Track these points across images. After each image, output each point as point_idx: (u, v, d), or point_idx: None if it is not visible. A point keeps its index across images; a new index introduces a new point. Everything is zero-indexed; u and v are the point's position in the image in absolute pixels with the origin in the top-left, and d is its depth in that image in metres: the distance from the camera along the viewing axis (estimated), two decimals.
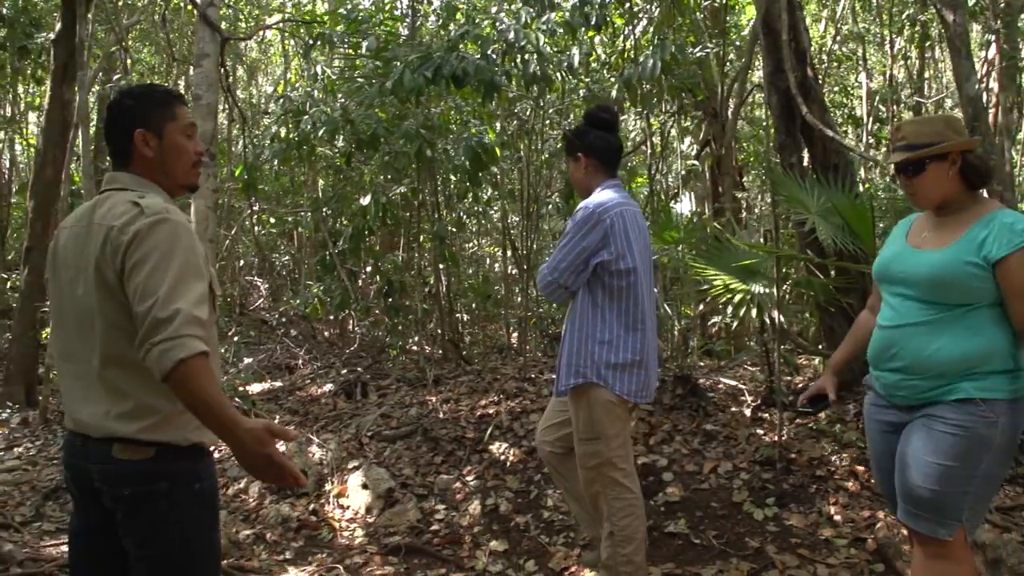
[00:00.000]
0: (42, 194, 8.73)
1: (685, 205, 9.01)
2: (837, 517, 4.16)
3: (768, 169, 5.63)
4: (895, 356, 2.69)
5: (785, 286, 5.11)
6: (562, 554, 4.15)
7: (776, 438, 4.83)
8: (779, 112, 5.42)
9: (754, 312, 5.12)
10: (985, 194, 2.88)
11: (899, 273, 2.72)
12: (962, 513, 2.57)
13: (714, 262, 5.31)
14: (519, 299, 8.51)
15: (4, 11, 10.01)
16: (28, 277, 8.78)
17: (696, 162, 9.66)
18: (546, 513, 4.55)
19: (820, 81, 6.62)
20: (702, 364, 7.09)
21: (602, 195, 3.41)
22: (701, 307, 8.07)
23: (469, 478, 4.99)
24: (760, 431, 5.15)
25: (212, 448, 2.29)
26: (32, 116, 14.24)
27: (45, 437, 7.42)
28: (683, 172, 9.73)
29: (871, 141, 13.18)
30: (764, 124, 12.08)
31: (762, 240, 7.12)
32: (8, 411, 8.26)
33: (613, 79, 7.21)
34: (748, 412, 5.47)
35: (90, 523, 2.24)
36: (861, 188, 7.46)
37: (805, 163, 5.62)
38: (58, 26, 8.31)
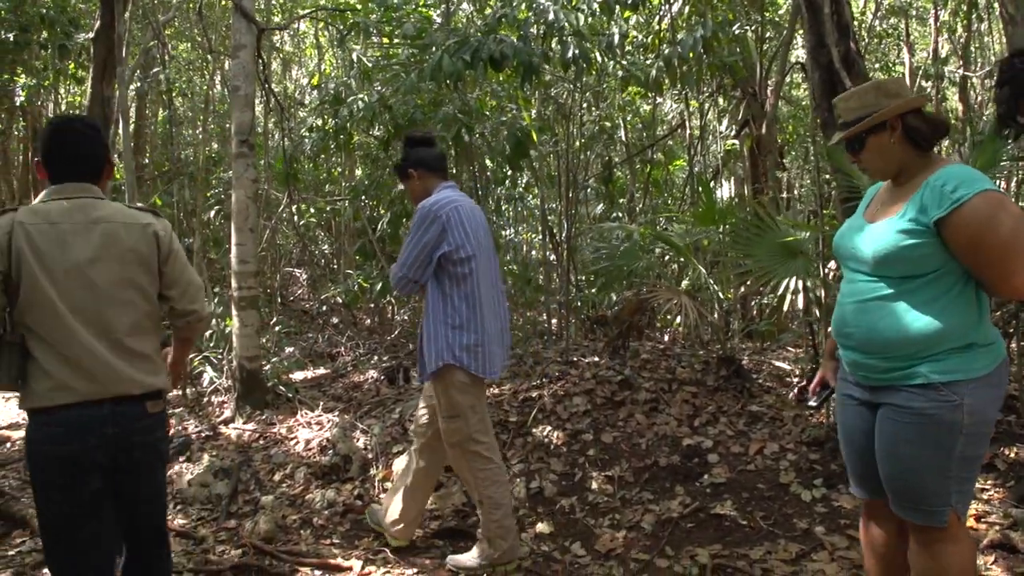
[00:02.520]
0: None
1: (724, 187, 8.93)
2: None
3: (814, 142, 5.54)
4: (849, 334, 2.63)
5: (829, 265, 5.04)
6: (608, 536, 4.14)
7: (823, 419, 4.78)
8: (821, 88, 5.32)
9: (797, 292, 5.06)
10: (941, 154, 2.75)
11: (848, 248, 2.66)
12: (950, 497, 2.52)
13: (755, 242, 5.25)
14: (558, 284, 8.47)
15: (44, 12, 10.16)
16: None
17: (735, 142, 9.56)
18: (591, 495, 4.55)
19: (862, 57, 6.51)
20: (744, 346, 7.04)
21: (436, 195, 3.85)
22: (742, 288, 8.00)
23: (513, 461, 4.99)
24: (808, 412, 5.10)
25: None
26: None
27: None
28: (722, 153, 9.63)
29: None
30: (804, 103, 11.93)
31: (805, 220, 7.03)
32: None
33: (650, 60, 7.15)
34: (794, 393, 5.42)
35: (90, 486, 2.64)
36: None
37: None
38: (97, 24, 8.41)
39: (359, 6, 8.62)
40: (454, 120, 6.61)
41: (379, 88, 7.28)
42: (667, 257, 7.00)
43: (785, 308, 5.65)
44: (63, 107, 14.58)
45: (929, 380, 2.45)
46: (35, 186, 13.50)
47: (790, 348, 6.82)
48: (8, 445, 7.23)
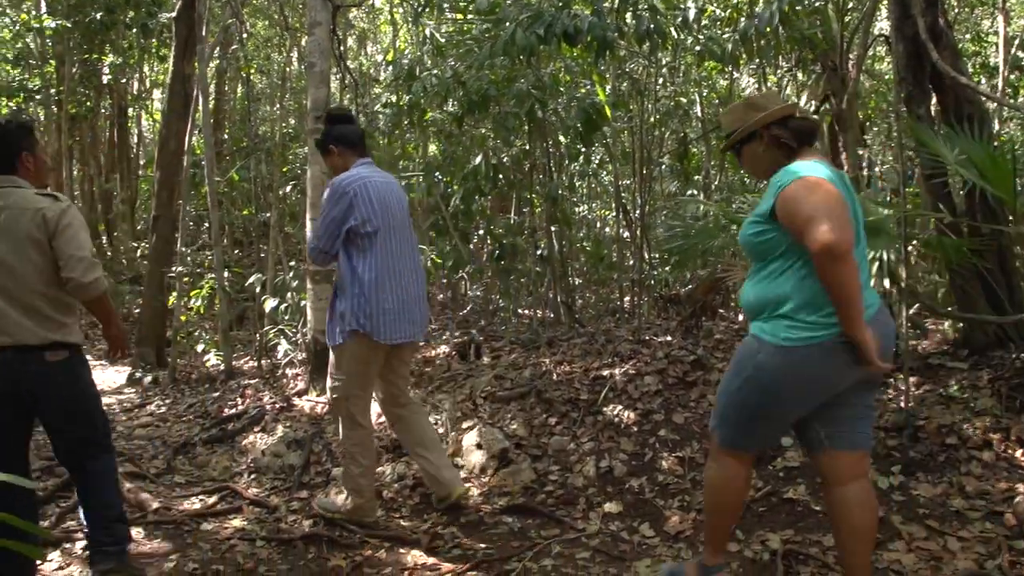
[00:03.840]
0: (166, 166, 9.09)
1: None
2: (969, 488, 3.96)
3: (897, 117, 5.35)
4: (741, 299, 3.14)
5: (911, 245, 4.87)
6: (678, 518, 4.11)
7: (903, 404, 4.64)
8: (906, 60, 5.13)
9: (877, 272, 4.91)
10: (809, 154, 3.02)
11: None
12: (724, 422, 3.07)
13: None
14: (632, 262, 8.40)
15: None
16: (156, 244, 9.18)
17: (815, 118, 9.30)
18: (661, 476, 4.51)
19: (951, 27, 6.26)
20: None
21: (349, 172, 4.13)
22: None
23: (583, 440, 4.98)
24: (885, 397, 4.96)
25: None
26: (157, 93, 14.80)
27: (174, 395, 7.78)
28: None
29: (1008, 92, 12.42)
30: (887, 77, 11.55)
31: (887, 199, 6.82)
32: (141, 371, 8.70)
33: (727, 34, 6.99)
34: None
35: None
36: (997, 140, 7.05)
37: (934, 115, 5.32)
38: (178, 4, 8.58)
39: None
40: (527, 95, 6.56)
41: (452, 63, 7.27)
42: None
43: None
44: (147, 84, 14.96)
45: (754, 332, 2.96)
46: (121, 161, 13.90)
47: None
48: None
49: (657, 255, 8.61)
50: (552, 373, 5.85)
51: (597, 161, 9.53)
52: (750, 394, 2.93)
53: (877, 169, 11.24)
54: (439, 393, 6.03)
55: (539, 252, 8.60)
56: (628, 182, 9.50)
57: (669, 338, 6.03)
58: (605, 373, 5.60)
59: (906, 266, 4.76)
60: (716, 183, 10.15)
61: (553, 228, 8.15)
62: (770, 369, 2.84)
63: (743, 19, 5.81)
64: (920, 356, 5.24)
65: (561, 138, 8.13)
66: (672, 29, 5.87)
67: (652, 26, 5.47)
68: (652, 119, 8.36)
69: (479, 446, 5.03)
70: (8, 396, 3.43)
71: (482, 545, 4.09)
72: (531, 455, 4.93)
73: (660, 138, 10.06)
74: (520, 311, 8.79)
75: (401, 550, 4.13)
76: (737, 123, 3.07)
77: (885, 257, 4.86)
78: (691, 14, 5.70)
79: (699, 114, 11.14)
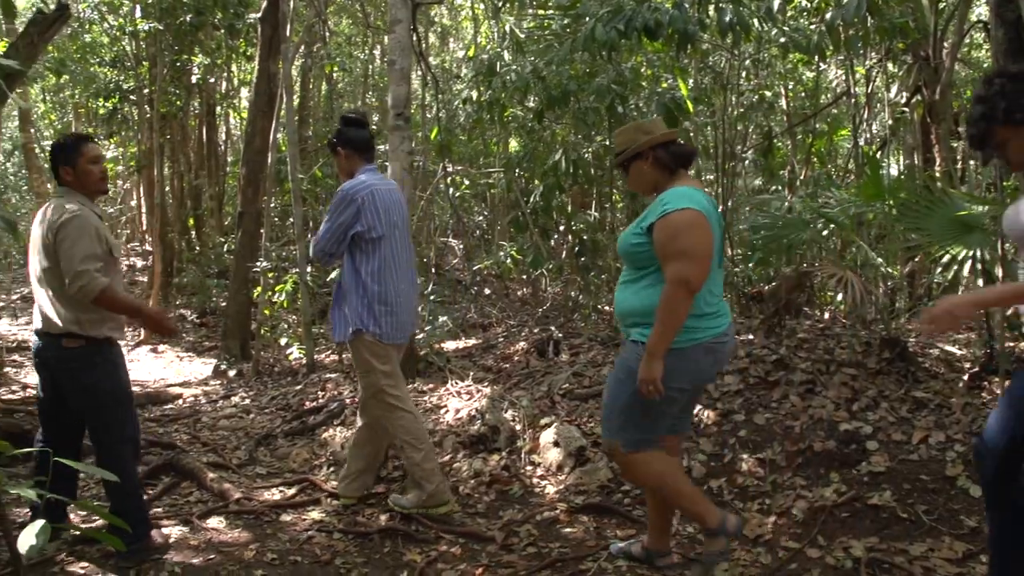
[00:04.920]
0: (252, 162, 9.28)
1: (893, 158, 8.42)
2: None
3: None
4: (615, 305, 3.48)
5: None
6: (757, 521, 4.01)
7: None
8: (1006, 47, 4.88)
9: (975, 270, 4.71)
10: (689, 174, 3.44)
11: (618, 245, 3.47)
12: (621, 429, 3.34)
13: (927, 216, 4.92)
14: None
15: None
16: (241, 239, 9.38)
17: (906, 110, 8.99)
18: (740, 478, 4.41)
19: None
20: (910, 327, 6.64)
21: (356, 178, 4.36)
22: (909, 265, 7.56)
23: None
24: (978, 401, 4.76)
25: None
26: (244, 91, 15.13)
27: (257, 388, 7.94)
28: (890, 122, 9.08)
29: None
30: (985, 65, 11.10)
31: (982, 194, 6.55)
32: (225, 363, 8.91)
33: (814, 25, 6.80)
34: (965, 380, 5.06)
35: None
36: None
37: None
38: (264, 4, 8.75)
39: None
40: (608, 91, 6.50)
41: (532, 59, 7.25)
42: (827, 232, 6.69)
43: (960, 288, 5.29)
44: (235, 84, 15.33)
45: (635, 339, 3.27)
46: (209, 158, 14.27)
47: (964, 330, 6.38)
48: (180, 401, 7.71)
49: (740, 251, 8.44)
50: None
51: None
52: (645, 401, 3.22)
53: (972, 162, 10.82)
54: (517, 390, 6.02)
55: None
56: (711, 177, 9.32)
57: (751, 337, 5.89)
58: None
59: (1002, 264, 4.56)
60: (801, 178, 9.90)
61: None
62: (666, 370, 3.13)
63: (830, 9, 5.62)
64: (1020, 358, 5.02)
65: None
66: (755, 21, 5.72)
67: (735, 18, 5.35)
68: (735, 113, 8.20)
69: (556, 444, 5.01)
70: (46, 377, 3.96)
71: (557, 544, 4.06)
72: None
73: (744, 132, 9.86)
74: (600, 307, 8.72)
75: (475, 547, 4.14)
76: (627, 143, 3.43)
77: (979, 255, 4.66)
78: (775, 5, 5.55)
79: (784, 107, 10.89)
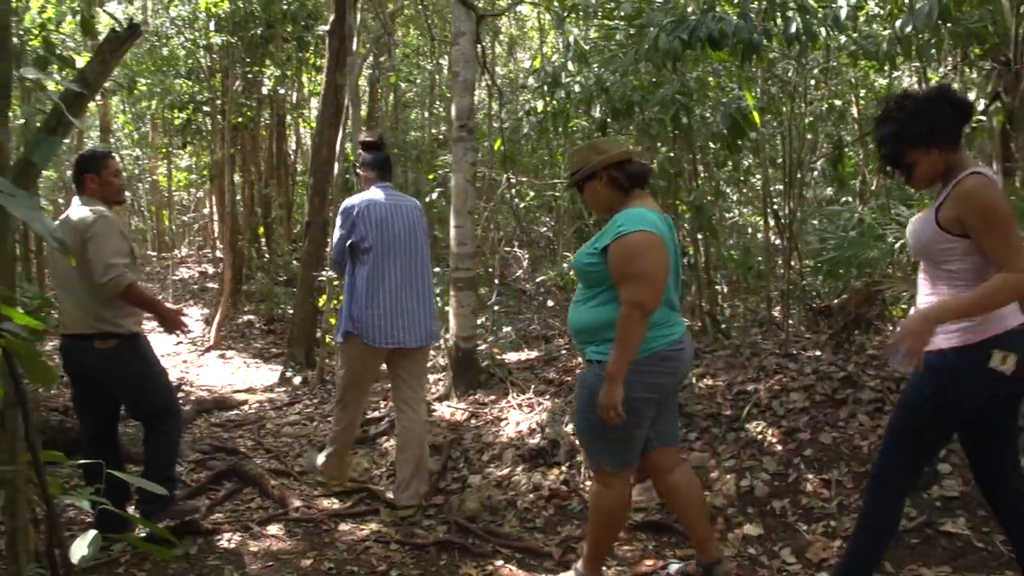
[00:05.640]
0: (318, 172, 9.40)
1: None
2: None
3: None
4: (569, 323, 3.53)
5: None
6: (821, 544, 3.89)
7: None
8: None
9: None
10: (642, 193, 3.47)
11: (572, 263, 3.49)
12: (600, 452, 3.40)
13: None
14: (782, 270, 8.07)
15: (287, 7, 10.87)
16: (308, 248, 9.51)
17: (983, 118, 8.68)
18: (805, 499, 4.28)
19: None
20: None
21: (360, 195, 4.79)
22: None
23: (724, 457, 4.80)
24: None
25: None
26: (314, 102, 15.38)
27: (322, 395, 8.01)
28: (967, 129, 8.78)
29: None
30: None
31: None
32: (291, 370, 9.02)
33: (885, 31, 6.61)
34: None
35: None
36: None
37: None
38: (332, 17, 8.86)
39: None
40: (672, 101, 6.41)
41: (596, 70, 7.19)
42: (899, 244, 6.49)
43: None
44: (305, 95, 15.58)
45: (591, 357, 3.32)
46: (279, 168, 14.52)
47: None
48: (245, 407, 7.82)
49: (808, 264, 8.25)
50: (694, 386, 5.68)
51: (747, 166, 9.22)
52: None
53: None
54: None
55: (686, 260, 8.42)
56: (780, 187, 9.14)
57: (818, 352, 5.74)
58: (749, 388, 5.39)
59: None
60: (873, 188, 9.65)
61: (700, 236, 7.95)
62: (627, 384, 3.15)
63: (901, 15, 5.45)
64: None
65: (709, 144, 7.92)
66: (823, 29, 5.58)
67: (801, 27, 5.23)
68: (804, 123, 8.02)
69: None
70: (77, 374, 4.27)
71: (614, 562, 4.00)
72: None
73: (813, 142, 9.65)
74: None
75: (532, 562, 4.10)
76: (581, 163, 3.48)
77: None
78: (843, 13, 5.40)
79: (855, 116, 10.62)
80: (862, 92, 9.98)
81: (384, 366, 5.00)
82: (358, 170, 4.98)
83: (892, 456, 2.98)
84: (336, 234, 4.81)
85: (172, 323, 4.46)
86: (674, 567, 3.81)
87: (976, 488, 4.00)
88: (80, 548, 1.64)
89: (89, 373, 4.23)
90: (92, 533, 1.72)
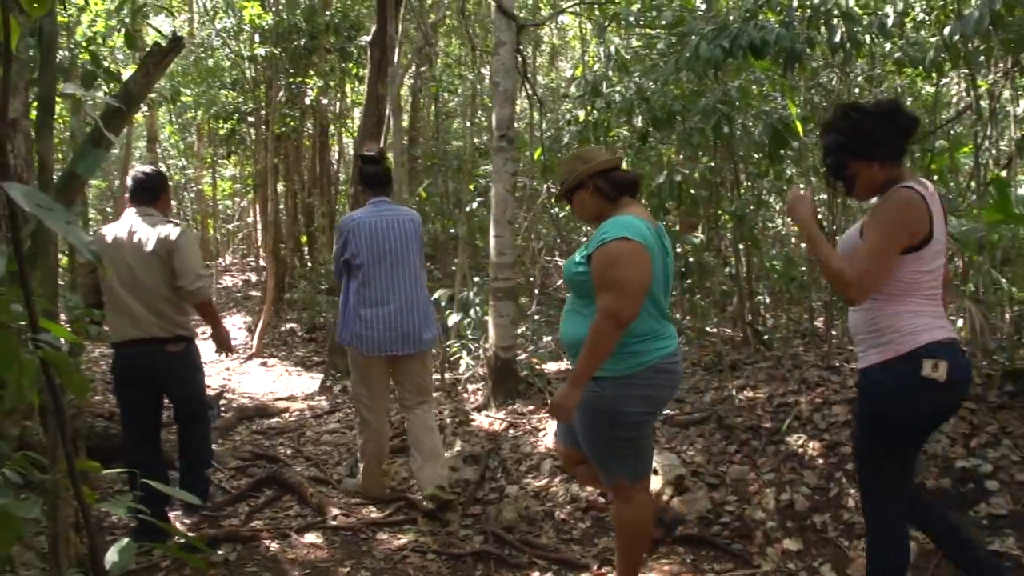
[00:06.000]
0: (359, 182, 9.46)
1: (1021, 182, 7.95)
2: None
3: None
4: (560, 334, 3.51)
5: None
6: (862, 561, 3.81)
7: None
8: None
9: None
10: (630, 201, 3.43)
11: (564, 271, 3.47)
12: (614, 468, 3.38)
13: None
14: (825, 281, 7.95)
15: (329, 19, 10.98)
16: None
17: (636, 172, 8.49)
18: (846, 514, 4.21)
19: None
20: None
21: (351, 213, 5.14)
22: None
23: (764, 470, 4.74)
24: None
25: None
26: (357, 112, 15.52)
27: None
28: (1017, 137, 8.61)
29: None
30: None
31: None
32: (331, 379, 9.08)
33: (933, 38, 6.50)
34: None
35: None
36: None
37: None
38: (373, 28, 8.93)
39: None
40: (713, 111, 6.36)
41: (637, 79, 7.16)
42: (949, 254, 6.37)
43: None
44: (348, 105, 15.72)
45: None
46: (322, 177, 14.66)
47: None
48: (286, 415, 7.88)
49: None
50: (734, 398, 5.63)
51: (790, 175, 9.11)
52: (621, 429, 3.27)
53: None
54: None
55: (728, 270, 8.34)
56: (824, 197, 9.01)
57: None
58: (790, 400, 5.33)
59: None
60: None
61: (741, 246, 7.87)
62: (624, 398, 3.21)
63: (949, 22, 5.35)
64: None
65: (753, 154, 7.84)
66: (867, 37, 5.50)
67: (845, 35, 5.16)
68: None
69: (655, 471, 4.90)
70: (143, 378, 4.51)
71: (652, 574, 3.96)
72: (708, 483, 4.75)
73: None
74: (708, 329, 8.52)
75: (569, 573, 4.10)
76: (568, 173, 3.46)
77: None
78: (889, 21, 5.33)
79: None
80: (908, 100, 9.83)
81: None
82: (358, 184, 5.27)
83: (869, 481, 3.04)
84: (334, 250, 5.13)
85: (224, 342, 4.95)
86: None
87: None
88: (112, 556, 1.66)
89: (156, 375, 4.52)
90: (125, 541, 1.73)
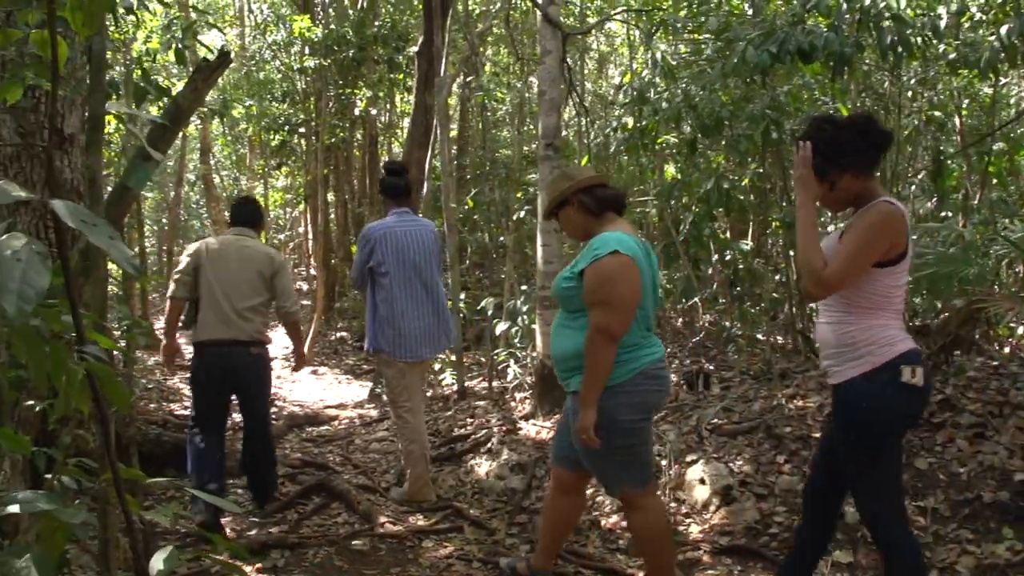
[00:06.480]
0: None
1: None
2: None
3: None
4: (551, 349, 3.60)
5: None
6: None
7: None
8: None
9: None
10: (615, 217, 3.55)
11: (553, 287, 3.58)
12: (618, 478, 3.46)
13: None
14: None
15: (377, 30, 11.10)
16: None
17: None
18: None
19: None
20: None
21: (380, 221, 5.35)
22: None
23: None
24: None
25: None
26: (406, 122, 15.67)
27: None
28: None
29: None
30: None
31: None
32: (380, 387, 9.14)
33: (990, 38, 6.37)
34: None
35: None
36: None
37: None
38: (420, 39, 9.01)
39: (668, 3, 8.51)
40: (761, 116, 6.30)
41: (684, 85, 7.13)
42: (1007, 261, 6.22)
43: None
44: (397, 115, 15.87)
45: (577, 389, 3.34)
46: (372, 187, 14.81)
47: None
48: (335, 423, 7.96)
49: (910, 281, 7.96)
50: (784, 407, 5.55)
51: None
52: (618, 438, 3.33)
53: None
54: (663, 423, 5.88)
55: (778, 278, 8.24)
56: None
57: None
58: None
59: None
60: (976, 201, 9.28)
61: (792, 252, 7.77)
62: (616, 407, 3.28)
63: (1008, 21, 5.23)
64: None
65: None
66: (919, 39, 5.41)
67: (896, 38, 5.08)
68: (900, 135, 7.78)
69: (702, 481, 4.86)
70: (223, 375, 4.89)
71: None
72: (756, 494, 4.69)
73: (912, 154, 9.36)
74: (758, 337, 8.42)
75: None
76: (554, 193, 3.60)
77: None
78: (942, 22, 5.23)
79: (958, 127, 10.24)
80: (965, 101, 9.62)
81: None
82: (381, 194, 5.53)
83: (859, 488, 3.07)
84: (356, 257, 5.30)
85: (303, 361, 5.61)
86: (505, 561, 4.14)
87: None
88: (157, 563, 1.69)
89: (239, 373, 4.93)
90: (170, 549, 1.76)
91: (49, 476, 2.30)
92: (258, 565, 4.31)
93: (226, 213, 17.41)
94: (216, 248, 5.00)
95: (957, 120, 9.77)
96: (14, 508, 1.58)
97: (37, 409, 3.06)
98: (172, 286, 5.03)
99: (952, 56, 6.31)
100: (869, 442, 2.99)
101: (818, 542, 3.33)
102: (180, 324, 5.02)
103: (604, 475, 3.52)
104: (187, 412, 8.03)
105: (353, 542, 4.68)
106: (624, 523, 4.74)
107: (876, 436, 2.98)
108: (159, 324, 15.39)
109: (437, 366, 9.06)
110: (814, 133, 3.06)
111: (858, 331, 2.95)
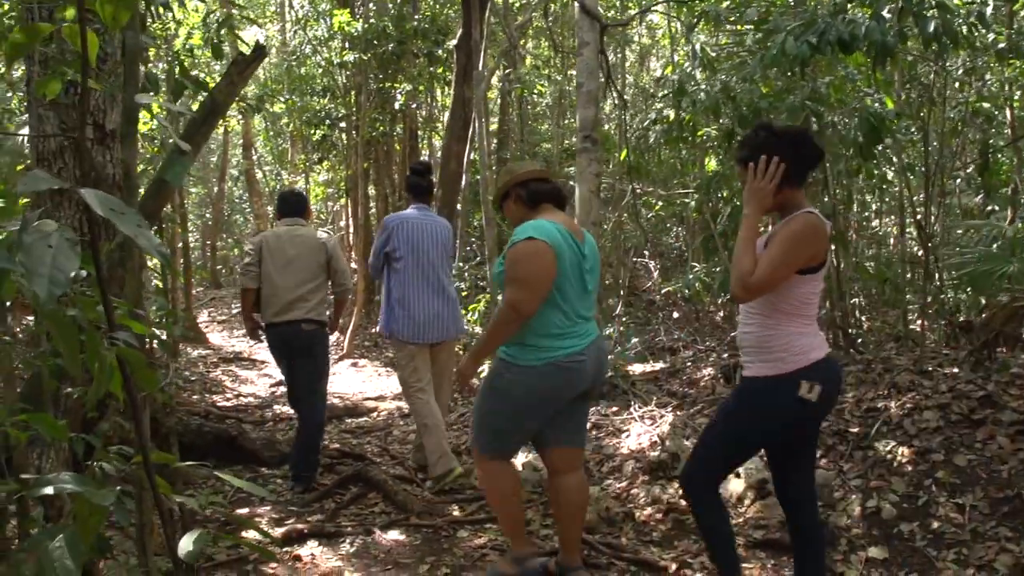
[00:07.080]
0: (447, 184, 9.59)
1: None
2: None
3: None
4: None
5: None
6: (951, 572, 3.69)
7: None
8: None
9: None
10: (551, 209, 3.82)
11: None
12: (476, 430, 3.83)
13: None
14: (922, 283, 7.69)
15: (417, 24, 11.13)
16: None
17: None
18: (936, 523, 4.07)
19: None
20: None
21: (398, 213, 5.80)
22: None
23: (850, 476, 4.62)
24: None
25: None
26: (446, 115, 15.72)
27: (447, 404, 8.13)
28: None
29: None
30: None
31: None
32: None
33: None
34: None
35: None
36: None
37: None
38: (459, 32, 9.04)
39: None
40: (801, 108, 6.22)
41: (723, 77, 7.06)
42: None
43: None
44: (438, 109, 15.92)
45: (499, 355, 3.71)
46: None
47: None
48: (374, 414, 8.03)
49: (949, 277, 7.84)
50: None
51: (886, 173, 8.85)
52: (503, 406, 3.68)
53: None
54: (700, 417, 5.86)
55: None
56: (922, 196, 8.73)
57: (956, 370, 5.46)
58: (879, 405, 5.17)
59: None
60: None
61: (833, 246, 7.67)
62: (518, 383, 3.60)
63: None
64: None
65: (841, 151, 7.64)
66: (965, 28, 5.30)
67: (940, 27, 4.98)
68: (945, 128, 7.64)
69: (737, 474, 4.83)
70: (289, 349, 5.52)
71: None
72: None
73: (958, 147, 9.19)
74: None
75: (647, 575, 4.05)
76: (499, 184, 3.95)
77: None
78: (988, 10, 5.12)
79: (1008, 119, 10.03)
80: (1018, 93, 9.42)
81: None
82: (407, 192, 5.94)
83: (708, 454, 3.32)
84: (375, 244, 5.71)
85: (335, 325, 5.99)
86: (538, 561, 4.07)
87: None
88: (187, 544, 1.73)
89: (310, 346, 5.53)
90: (199, 531, 1.80)
91: (89, 463, 2.36)
92: (295, 553, 4.38)
93: (269, 208, 17.61)
94: (274, 239, 5.54)
95: (1008, 112, 9.57)
96: (48, 490, 1.63)
97: (75, 397, 3.13)
98: (241, 278, 5.69)
99: (1002, 46, 6.18)
100: (748, 436, 3.25)
101: (807, 542, 3.42)
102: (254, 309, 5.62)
103: (474, 428, 3.88)
104: (228, 404, 8.28)
105: (389, 531, 4.73)
106: (658, 515, 4.75)
107: (757, 433, 3.24)
108: (203, 318, 15.64)
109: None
110: (750, 138, 3.19)
111: (776, 336, 3.11)
